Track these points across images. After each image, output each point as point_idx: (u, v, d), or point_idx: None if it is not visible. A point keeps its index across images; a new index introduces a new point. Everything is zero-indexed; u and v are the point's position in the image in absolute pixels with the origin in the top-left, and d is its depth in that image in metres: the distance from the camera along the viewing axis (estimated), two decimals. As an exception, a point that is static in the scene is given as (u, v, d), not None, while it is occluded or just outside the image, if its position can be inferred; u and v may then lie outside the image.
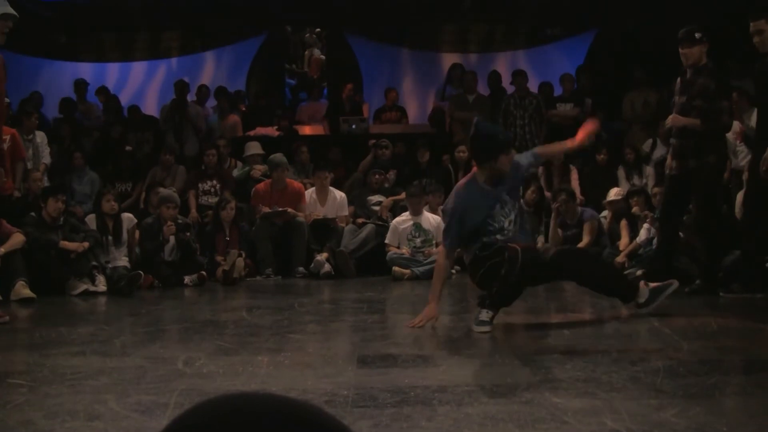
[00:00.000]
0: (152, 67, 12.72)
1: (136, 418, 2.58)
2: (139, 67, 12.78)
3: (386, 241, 7.68)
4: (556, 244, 7.37)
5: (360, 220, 8.20)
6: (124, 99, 11.43)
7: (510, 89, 10.04)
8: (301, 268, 7.65)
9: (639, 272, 6.28)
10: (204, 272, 7.24)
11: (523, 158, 4.68)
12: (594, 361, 3.30)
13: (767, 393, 2.83)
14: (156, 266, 7.10)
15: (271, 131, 10.09)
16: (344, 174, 9.41)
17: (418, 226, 7.63)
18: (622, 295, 4.63)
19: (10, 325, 4.87)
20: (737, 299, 5.35)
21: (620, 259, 7.04)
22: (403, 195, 8.15)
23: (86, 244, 6.65)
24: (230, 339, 4.16)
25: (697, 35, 5.54)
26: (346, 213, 8.33)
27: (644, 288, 4.58)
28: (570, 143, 4.88)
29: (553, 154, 6.07)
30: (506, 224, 4.41)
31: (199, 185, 8.77)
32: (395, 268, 7.36)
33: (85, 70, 12.25)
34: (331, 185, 8.43)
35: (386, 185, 8.77)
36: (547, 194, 8.35)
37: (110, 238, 7.11)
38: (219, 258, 7.50)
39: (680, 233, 6.12)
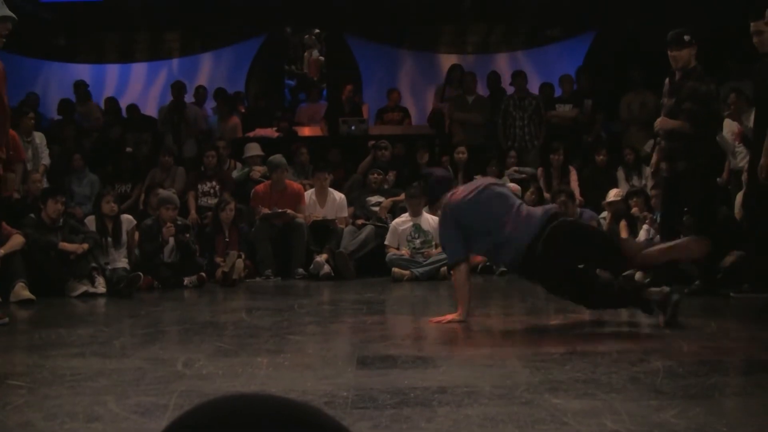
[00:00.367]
0: (152, 68, 12.72)
1: (135, 420, 2.58)
2: (138, 69, 12.78)
3: (386, 242, 7.68)
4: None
5: (359, 222, 8.19)
6: (124, 101, 11.42)
7: (509, 90, 10.04)
8: (300, 270, 7.64)
9: (638, 274, 6.27)
10: (203, 273, 7.23)
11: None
12: (594, 361, 3.30)
13: (767, 393, 2.83)
14: (155, 267, 7.09)
15: (271, 132, 10.09)
16: (344, 175, 9.41)
17: (417, 227, 7.62)
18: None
19: (10, 326, 4.86)
20: (744, 299, 5.36)
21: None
22: (402, 196, 8.15)
23: (86, 246, 6.65)
24: (230, 340, 4.15)
25: (686, 38, 5.54)
26: (346, 214, 8.33)
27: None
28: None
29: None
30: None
31: (199, 186, 8.77)
32: (395, 270, 7.36)
33: (85, 71, 12.25)
34: (331, 186, 8.43)
35: (385, 186, 8.77)
36: (547, 195, 8.35)
37: (110, 239, 7.11)
38: (218, 259, 7.50)
39: (680, 233, 6.11)
